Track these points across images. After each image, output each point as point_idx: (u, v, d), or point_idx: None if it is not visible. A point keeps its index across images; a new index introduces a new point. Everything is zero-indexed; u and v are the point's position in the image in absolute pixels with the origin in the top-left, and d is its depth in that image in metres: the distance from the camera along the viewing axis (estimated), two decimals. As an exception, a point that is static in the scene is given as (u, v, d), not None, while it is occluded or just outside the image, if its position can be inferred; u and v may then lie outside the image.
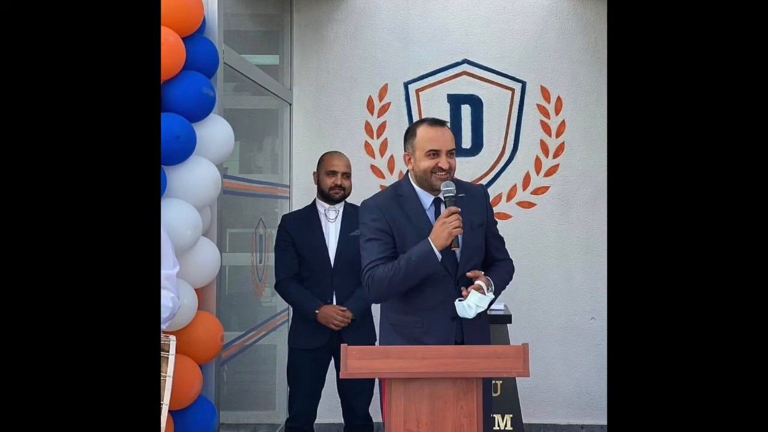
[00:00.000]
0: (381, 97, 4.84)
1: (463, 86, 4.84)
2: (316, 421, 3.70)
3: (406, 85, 4.85)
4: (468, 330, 2.65)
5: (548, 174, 4.81)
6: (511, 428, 4.02)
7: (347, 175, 3.67)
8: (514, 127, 4.83)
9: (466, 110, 4.84)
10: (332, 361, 3.63)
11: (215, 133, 2.97)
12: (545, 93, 4.80)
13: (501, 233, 2.88)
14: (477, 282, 2.60)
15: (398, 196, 2.74)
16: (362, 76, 4.84)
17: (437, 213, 2.68)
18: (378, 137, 4.84)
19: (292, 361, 3.67)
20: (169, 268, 2.50)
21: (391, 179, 4.72)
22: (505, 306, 4.05)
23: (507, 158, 4.83)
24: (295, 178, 4.77)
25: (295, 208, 4.26)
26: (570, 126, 4.79)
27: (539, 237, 4.77)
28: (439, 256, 2.57)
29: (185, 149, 2.76)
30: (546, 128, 4.81)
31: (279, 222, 3.76)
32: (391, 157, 4.82)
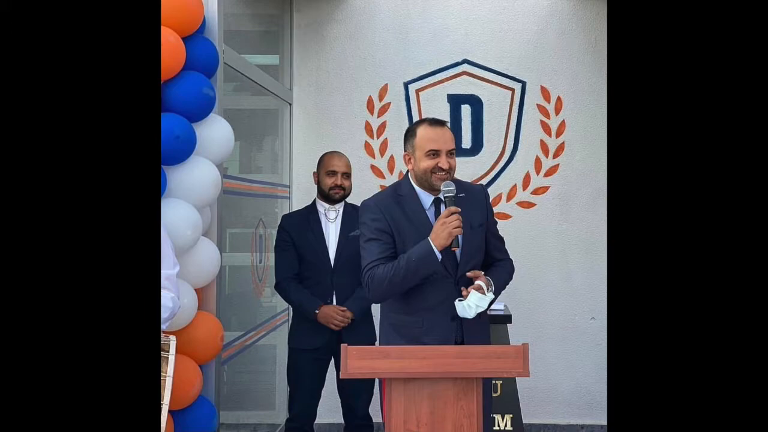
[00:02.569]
0: (381, 97, 4.84)
1: (463, 86, 4.84)
2: (316, 421, 3.70)
3: (406, 85, 4.84)
4: (468, 330, 2.65)
5: (548, 174, 4.81)
6: (511, 428, 4.02)
7: (347, 175, 3.67)
8: (514, 127, 4.82)
9: (466, 110, 4.84)
10: (332, 361, 3.63)
11: (215, 133, 2.97)
12: (545, 93, 4.80)
13: (501, 233, 2.88)
14: (477, 282, 2.60)
15: (398, 196, 2.73)
16: (362, 76, 4.84)
17: (437, 213, 2.67)
18: (378, 137, 4.84)
19: (292, 361, 3.67)
20: (169, 268, 2.50)
21: (391, 179, 4.72)
22: (505, 306, 4.05)
23: (507, 158, 4.82)
24: (295, 178, 4.77)
25: (295, 208, 4.26)
26: (570, 126, 4.79)
27: (539, 237, 4.77)
28: (439, 256, 2.56)
29: (185, 149, 2.76)
30: (546, 128, 4.81)
31: (279, 222, 3.76)
32: (391, 157, 4.82)
